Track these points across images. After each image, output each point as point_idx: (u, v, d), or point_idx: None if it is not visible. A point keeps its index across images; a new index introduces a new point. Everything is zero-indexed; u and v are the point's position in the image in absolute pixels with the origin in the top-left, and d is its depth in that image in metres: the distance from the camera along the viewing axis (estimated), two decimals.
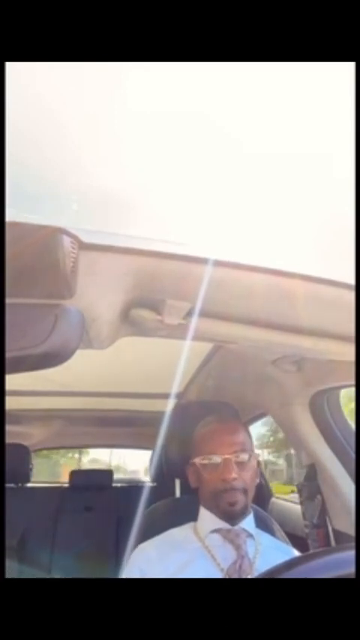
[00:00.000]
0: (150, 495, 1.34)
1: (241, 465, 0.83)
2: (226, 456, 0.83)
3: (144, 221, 0.42)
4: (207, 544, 0.83)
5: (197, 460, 0.86)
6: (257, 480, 0.87)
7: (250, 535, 0.84)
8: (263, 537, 0.88)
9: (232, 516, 0.83)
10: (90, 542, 1.97)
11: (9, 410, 1.84)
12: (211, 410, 0.97)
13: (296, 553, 0.88)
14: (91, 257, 0.42)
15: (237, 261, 0.45)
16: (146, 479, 3.39)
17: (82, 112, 0.39)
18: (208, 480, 0.85)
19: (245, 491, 0.83)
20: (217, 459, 0.83)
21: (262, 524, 0.93)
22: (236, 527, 0.84)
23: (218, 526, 0.84)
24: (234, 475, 0.81)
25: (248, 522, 0.86)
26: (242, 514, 0.84)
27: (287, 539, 0.97)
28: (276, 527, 0.97)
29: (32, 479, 2.12)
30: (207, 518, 0.86)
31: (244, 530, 0.84)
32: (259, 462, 0.89)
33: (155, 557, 0.82)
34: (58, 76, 0.38)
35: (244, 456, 0.84)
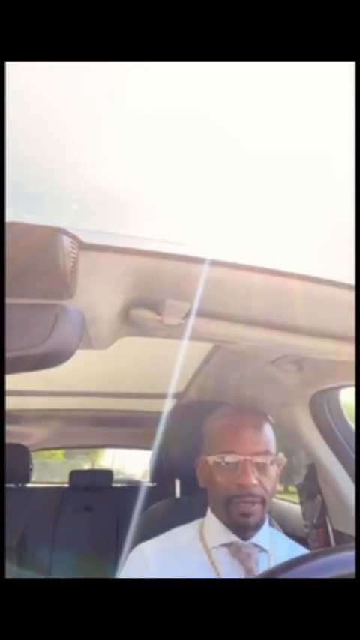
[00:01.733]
0: (150, 495, 1.34)
1: (262, 468, 0.70)
2: (247, 457, 0.69)
3: (144, 221, 0.42)
4: (213, 558, 0.71)
5: (211, 458, 0.72)
6: (276, 489, 0.73)
7: (264, 550, 0.73)
8: (279, 545, 0.77)
9: (243, 529, 0.71)
10: (90, 542, 1.97)
11: (9, 410, 1.84)
12: (211, 410, 0.97)
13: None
14: (91, 257, 0.42)
15: (237, 261, 0.45)
16: (143, 481, 3.39)
17: (82, 112, 0.39)
18: (221, 483, 0.71)
19: (264, 502, 0.70)
20: (235, 459, 0.70)
21: None
22: (248, 544, 0.72)
23: (228, 540, 0.72)
24: (254, 481, 0.68)
25: (262, 535, 0.74)
26: (256, 528, 0.71)
27: None
28: (276, 527, 0.98)
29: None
30: (215, 527, 0.74)
31: (257, 546, 0.72)
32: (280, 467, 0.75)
33: (154, 567, 0.71)
34: (58, 76, 0.38)
35: (268, 459, 0.71)
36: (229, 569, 0.70)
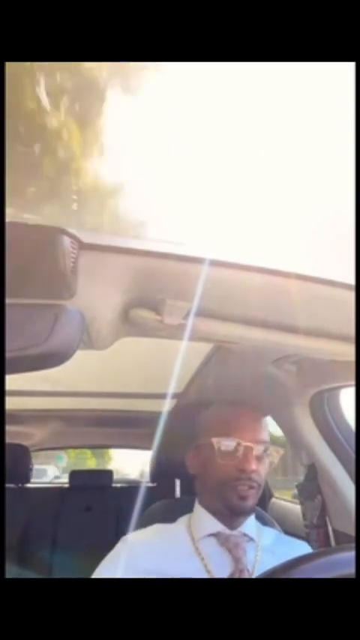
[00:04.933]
0: (150, 495, 1.34)
1: (259, 457, 0.73)
2: (249, 444, 0.71)
3: (144, 221, 0.42)
4: (200, 549, 0.72)
5: (212, 441, 0.73)
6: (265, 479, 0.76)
7: (251, 539, 0.74)
8: (265, 535, 0.79)
9: (238, 513, 0.72)
10: (90, 542, 1.97)
11: (9, 410, 1.84)
12: None
13: (304, 544, 0.82)
14: (91, 257, 0.42)
15: (237, 261, 0.45)
16: (142, 481, 3.40)
17: (82, 111, 0.39)
18: (220, 467, 0.72)
19: (259, 488, 0.73)
20: (237, 444, 0.72)
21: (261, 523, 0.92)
22: (235, 533, 0.73)
23: (215, 529, 0.73)
24: (254, 467, 0.71)
25: (249, 524, 0.76)
26: (249, 513, 0.74)
27: None
28: (276, 527, 0.97)
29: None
30: (203, 518, 0.75)
31: (245, 535, 0.74)
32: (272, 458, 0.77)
33: (141, 557, 0.70)
34: (58, 76, 0.38)
35: (265, 448, 0.74)
36: (216, 559, 0.71)
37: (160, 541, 0.74)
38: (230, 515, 0.73)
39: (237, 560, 0.70)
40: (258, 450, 0.73)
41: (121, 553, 0.72)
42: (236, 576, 0.68)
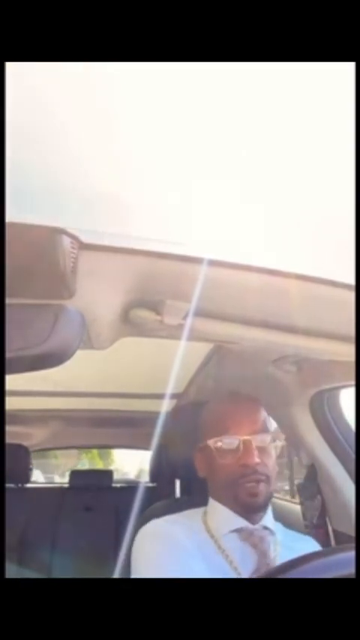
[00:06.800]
0: (150, 496, 1.34)
1: (262, 448, 0.71)
2: (246, 437, 0.69)
3: (144, 221, 0.42)
4: (224, 547, 0.69)
5: (211, 443, 0.71)
6: (277, 468, 0.74)
7: (273, 532, 0.72)
8: (278, 530, 0.76)
9: (253, 510, 0.70)
10: (90, 542, 1.97)
11: (9, 410, 1.84)
12: None
13: (314, 541, 0.81)
14: (91, 257, 0.42)
15: (237, 262, 0.45)
16: (141, 481, 3.40)
17: (82, 111, 0.39)
18: (223, 467, 0.71)
19: (268, 480, 0.70)
20: (234, 441, 0.70)
21: None
22: (259, 527, 0.71)
23: (238, 525, 0.70)
24: (257, 459, 0.68)
25: (269, 518, 0.74)
26: (264, 507, 0.71)
27: None
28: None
29: None
30: (222, 514, 0.72)
31: (267, 529, 0.72)
32: (282, 447, 0.76)
33: (167, 561, 0.66)
34: (58, 76, 0.38)
35: (266, 438, 0.72)
36: (241, 555, 0.69)
37: (180, 549, 0.69)
38: (246, 512, 0.71)
39: (263, 555, 0.68)
40: (258, 440, 0.71)
41: (151, 540, 0.69)
42: (262, 570, 0.66)
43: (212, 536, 0.71)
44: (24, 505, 2.00)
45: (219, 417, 0.74)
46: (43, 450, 3.31)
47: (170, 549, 0.68)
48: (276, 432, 0.75)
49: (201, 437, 0.76)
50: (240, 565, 0.67)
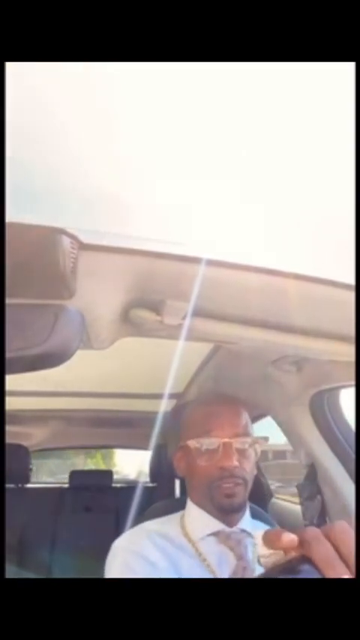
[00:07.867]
0: (150, 496, 1.34)
1: (241, 451, 0.71)
2: (226, 440, 0.70)
3: (143, 221, 0.42)
4: (200, 550, 0.69)
5: (191, 444, 0.72)
6: (255, 472, 0.75)
7: (250, 535, 0.73)
8: (259, 529, 0.75)
9: (229, 511, 0.70)
10: (90, 542, 1.97)
11: (9, 410, 1.84)
12: None
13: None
14: (91, 257, 0.42)
15: (237, 262, 0.45)
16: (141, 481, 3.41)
17: (82, 111, 0.39)
18: (202, 468, 0.71)
19: (245, 484, 0.71)
20: (214, 442, 0.70)
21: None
22: (236, 530, 0.72)
23: (215, 528, 0.71)
24: (235, 462, 0.69)
25: (246, 520, 0.75)
26: (240, 509, 0.72)
27: None
28: (275, 527, 0.97)
29: None
30: (199, 518, 0.73)
31: (244, 531, 0.72)
32: (255, 450, 0.75)
33: (138, 566, 0.67)
34: (57, 76, 0.38)
35: (246, 441, 0.72)
36: (218, 558, 0.69)
37: (158, 547, 0.70)
38: (223, 514, 0.71)
39: (239, 558, 0.68)
40: (238, 444, 0.71)
41: (117, 563, 0.69)
42: (239, 574, 0.66)
43: (190, 541, 0.71)
44: (24, 505, 2.00)
45: (201, 417, 0.74)
46: (43, 451, 3.31)
47: (137, 567, 0.67)
48: (257, 439, 0.74)
49: (182, 436, 0.76)
50: (217, 569, 0.67)
